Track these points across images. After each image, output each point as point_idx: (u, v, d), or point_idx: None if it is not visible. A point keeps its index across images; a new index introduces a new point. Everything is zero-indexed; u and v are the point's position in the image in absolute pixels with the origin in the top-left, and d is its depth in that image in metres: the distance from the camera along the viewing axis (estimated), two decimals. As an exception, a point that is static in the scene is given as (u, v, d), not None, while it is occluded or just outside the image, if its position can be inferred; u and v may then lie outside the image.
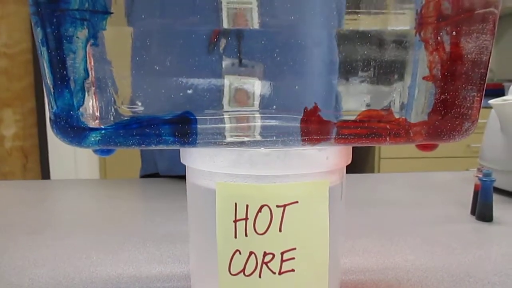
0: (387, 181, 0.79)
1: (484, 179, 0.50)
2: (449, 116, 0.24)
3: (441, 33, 0.23)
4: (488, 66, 0.24)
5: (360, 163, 2.21)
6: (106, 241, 0.45)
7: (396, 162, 2.02)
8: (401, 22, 0.23)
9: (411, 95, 0.24)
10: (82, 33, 0.22)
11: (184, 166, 0.27)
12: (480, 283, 0.35)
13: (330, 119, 0.24)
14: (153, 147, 0.24)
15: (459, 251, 0.42)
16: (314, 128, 0.24)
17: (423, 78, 0.24)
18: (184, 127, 0.23)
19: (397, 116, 0.24)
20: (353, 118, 0.24)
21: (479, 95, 0.24)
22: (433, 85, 0.24)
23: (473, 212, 0.53)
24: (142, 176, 0.85)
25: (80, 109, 0.23)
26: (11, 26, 2.12)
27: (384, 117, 0.24)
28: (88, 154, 2.17)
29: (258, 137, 0.24)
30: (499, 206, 0.55)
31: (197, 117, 0.23)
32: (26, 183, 0.82)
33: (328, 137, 0.24)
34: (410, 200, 0.63)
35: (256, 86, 0.23)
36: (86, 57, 0.22)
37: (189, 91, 0.23)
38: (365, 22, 0.23)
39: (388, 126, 0.24)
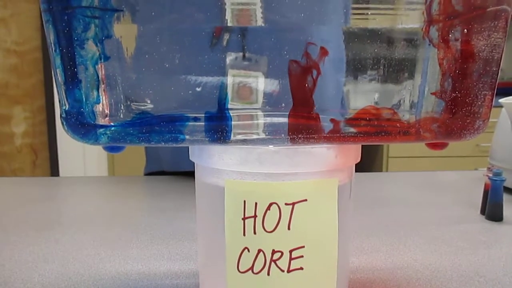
0: (395, 180, 0.78)
1: (495, 178, 0.50)
2: (460, 115, 0.24)
3: (452, 31, 0.23)
4: (500, 64, 0.24)
5: (368, 162, 2.20)
6: (115, 238, 0.45)
7: (404, 161, 2.01)
8: (411, 19, 0.23)
9: (421, 93, 0.24)
10: (93, 31, 0.22)
11: (190, 161, 0.27)
12: (490, 283, 0.35)
13: (338, 118, 0.24)
14: (162, 145, 0.24)
15: (468, 251, 0.41)
16: (321, 126, 0.24)
17: (432, 93, 0.24)
18: (217, 125, 0.23)
19: (407, 114, 0.24)
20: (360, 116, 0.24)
21: (490, 93, 0.24)
22: (443, 83, 0.24)
23: (482, 211, 0.53)
24: (146, 174, 0.85)
25: (91, 106, 0.23)
26: (22, 24, 2.14)
27: (384, 114, 0.24)
28: (97, 151, 2.18)
29: (264, 135, 0.24)
30: (509, 206, 0.55)
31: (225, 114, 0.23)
32: (35, 180, 0.82)
33: (336, 135, 0.24)
34: (419, 200, 0.62)
35: (265, 83, 0.23)
36: (96, 55, 0.22)
37: (198, 89, 0.23)
38: (374, 20, 0.23)
39: (398, 125, 0.24)
